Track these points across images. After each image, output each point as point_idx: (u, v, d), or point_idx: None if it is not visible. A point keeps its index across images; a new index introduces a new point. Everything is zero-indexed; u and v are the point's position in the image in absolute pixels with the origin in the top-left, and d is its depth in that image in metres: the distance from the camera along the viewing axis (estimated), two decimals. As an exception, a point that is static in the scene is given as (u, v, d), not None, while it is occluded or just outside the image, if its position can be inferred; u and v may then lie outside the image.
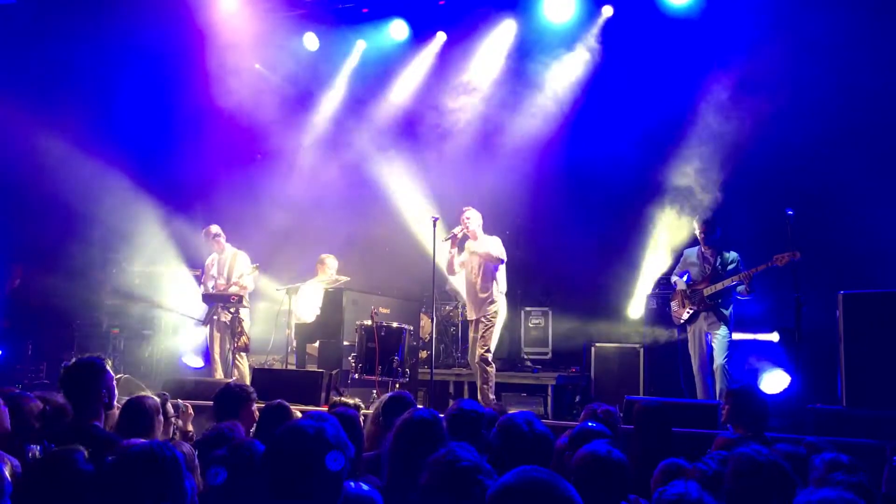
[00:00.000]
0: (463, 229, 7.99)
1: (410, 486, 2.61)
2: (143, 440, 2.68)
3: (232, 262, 9.31)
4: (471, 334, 8.18)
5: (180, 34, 10.45)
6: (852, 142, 8.57)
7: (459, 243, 8.07)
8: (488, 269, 7.98)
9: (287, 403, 4.67)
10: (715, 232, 7.61)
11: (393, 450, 3.13)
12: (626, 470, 2.82)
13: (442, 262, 8.13)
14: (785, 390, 7.77)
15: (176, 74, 10.73)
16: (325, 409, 6.19)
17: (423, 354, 9.26)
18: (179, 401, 5.75)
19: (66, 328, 10.32)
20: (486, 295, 7.95)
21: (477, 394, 7.93)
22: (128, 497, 2.41)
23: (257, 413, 4.59)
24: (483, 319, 7.92)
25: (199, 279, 9.91)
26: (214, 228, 9.39)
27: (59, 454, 2.73)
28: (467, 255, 8.12)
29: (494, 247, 7.98)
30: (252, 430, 4.55)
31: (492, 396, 7.83)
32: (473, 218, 8.06)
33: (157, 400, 4.25)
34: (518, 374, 9.54)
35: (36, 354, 10.33)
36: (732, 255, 7.54)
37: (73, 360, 4.02)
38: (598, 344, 9.23)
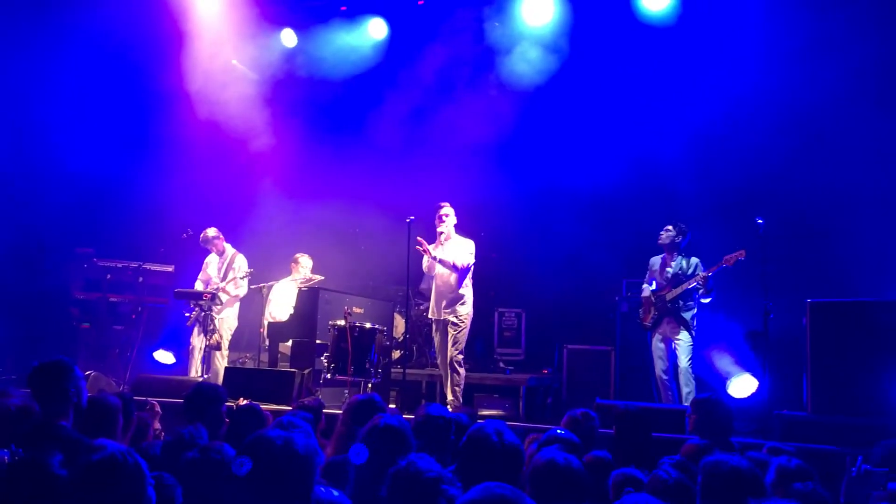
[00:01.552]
0: (438, 228, 7.90)
1: (377, 493, 2.61)
2: (108, 443, 2.64)
3: (229, 264, 9.37)
4: (436, 335, 8.04)
5: (155, 28, 10.33)
6: (823, 150, 8.71)
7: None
8: (463, 269, 7.93)
9: (259, 406, 4.67)
10: (680, 239, 7.74)
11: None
12: (583, 478, 2.84)
13: (422, 262, 7.98)
14: (752, 395, 7.87)
15: (150, 68, 10.59)
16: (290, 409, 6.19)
17: (397, 354, 9.26)
18: (149, 399, 5.75)
19: (36, 323, 10.17)
20: (458, 295, 7.87)
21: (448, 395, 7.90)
22: None
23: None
24: (455, 320, 7.83)
25: (171, 275, 9.84)
26: (212, 232, 9.43)
27: (32, 460, 2.68)
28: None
29: (460, 254, 7.84)
30: (221, 431, 4.54)
31: (461, 400, 7.81)
32: (450, 216, 7.94)
33: (120, 398, 4.22)
34: (490, 375, 9.57)
35: (1, 350, 10.18)
36: (694, 260, 7.72)
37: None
38: (570, 346, 9.29)
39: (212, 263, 9.52)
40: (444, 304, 7.90)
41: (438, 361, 8.10)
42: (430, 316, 8.12)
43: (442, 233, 7.87)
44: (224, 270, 9.37)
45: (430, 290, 8.24)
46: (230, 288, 9.19)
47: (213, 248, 9.47)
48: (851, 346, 6.42)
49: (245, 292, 9.40)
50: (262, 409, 4.56)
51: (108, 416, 3.96)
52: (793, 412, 6.61)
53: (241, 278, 9.20)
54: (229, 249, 9.51)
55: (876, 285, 7.61)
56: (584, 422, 4.69)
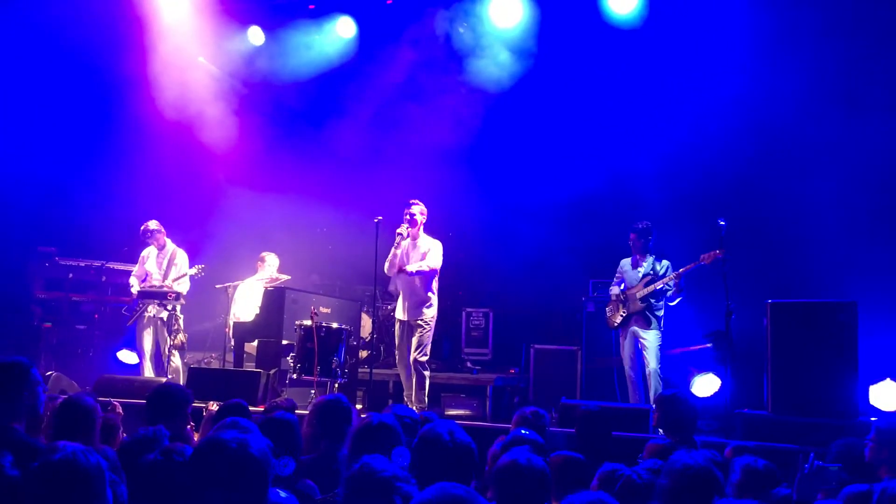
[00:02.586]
0: (408, 227, 7.84)
1: None
2: (69, 445, 2.60)
3: (171, 260, 9.12)
4: (400, 335, 7.98)
5: (118, 24, 10.18)
6: (785, 153, 8.88)
7: (397, 243, 7.88)
8: (431, 272, 7.90)
9: (246, 404, 4.64)
10: (647, 240, 7.82)
11: (353, 454, 3.12)
12: (545, 478, 2.87)
13: (385, 261, 7.97)
14: (715, 394, 7.98)
15: (114, 65, 10.45)
16: (261, 409, 6.16)
17: (364, 354, 9.25)
18: (111, 399, 5.68)
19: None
20: (424, 297, 7.87)
21: (412, 396, 7.85)
22: None
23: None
24: (421, 323, 7.81)
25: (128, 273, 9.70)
26: (153, 224, 9.13)
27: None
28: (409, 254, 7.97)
29: (431, 257, 7.84)
30: (188, 431, 4.50)
31: (426, 401, 7.81)
32: (418, 214, 7.87)
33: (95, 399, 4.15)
34: (457, 374, 9.59)
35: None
36: (664, 263, 7.79)
37: None
38: (537, 345, 9.34)
39: (150, 258, 9.16)
40: (410, 305, 7.90)
41: (397, 361, 8.07)
42: (396, 316, 8.09)
43: (400, 234, 7.80)
44: (166, 266, 9.08)
45: (397, 291, 8.23)
46: (176, 286, 8.87)
47: (154, 242, 9.11)
48: (811, 347, 6.51)
49: (187, 290, 9.04)
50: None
51: (86, 417, 3.89)
52: (754, 411, 6.71)
53: (189, 276, 8.93)
54: (170, 245, 9.20)
55: (835, 286, 7.76)
56: (534, 420, 4.70)
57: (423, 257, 7.88)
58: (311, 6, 10.73)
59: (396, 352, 8.11)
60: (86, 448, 2.50)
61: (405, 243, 7.91)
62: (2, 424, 3.66)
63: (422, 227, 7.96)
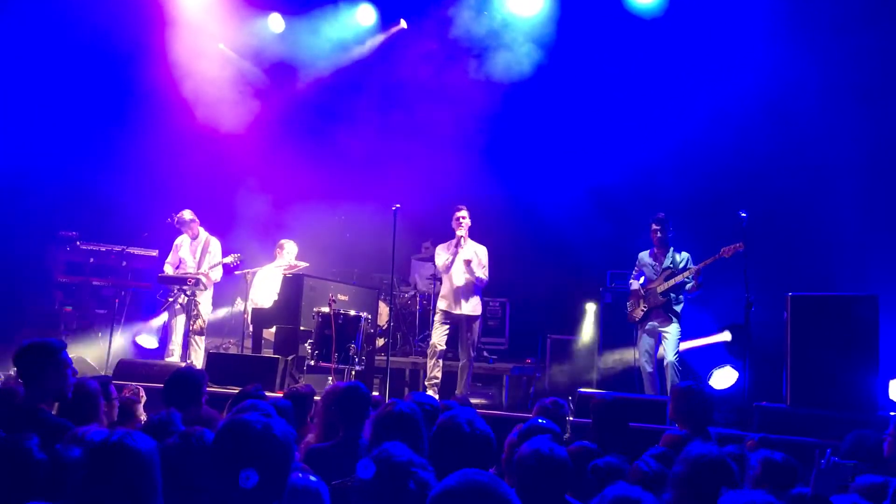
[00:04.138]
0: (465, 230, 8.06)
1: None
2: (119, 429, 2.61)
3: (205, 248, 9.23)
4: (445, 328, 8.12)
5: (139, 12, 10.24)
6: (806, 146, 8.79)
7: (458, 242, 8.11)
8: (483, 282, 8.14)
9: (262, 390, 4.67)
10: (667, 232, 7.76)
11: (373, 440, 3.14)
12: (567, 467, 2.87)
13: (441, 260, 8.15)
14: (732, 386, 7.95)
15: (134, 52, 10.51)
16: (279, 395, 6.20)
17: (381, 342, 9.28)
18: (132, 384, 5.71)
19: (18, 305, 10.12)
20: (478, 293, 8.16)
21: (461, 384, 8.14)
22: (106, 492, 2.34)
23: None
24: (475, 318, 8.14)
25: (154, 259, 9.79)
26: (188, 214, 9.27)
27: (9, 442, 2.67)
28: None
29: (481, 269, 8.09)
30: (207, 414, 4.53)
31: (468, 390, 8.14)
32: (468, 218, 8.11)
33: (98, 382, 4.19)
34: (474, 363, 9.58)
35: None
36: (684, 254, 7.72)
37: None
38: (553, 335, 9.33)
39: (183, 246, 9.31)
40: (464, 301, 8.08)
41: (434, 351, 8.12)
42: (442, 308, 8.18)
43: (462, 237, 8.06)
44: (200, 254, 9.21)
45: (415, 280, 8.29)
46: (212, 274, 9.04)
47: (189, 231, 9.28)
48: (831, 340, 6.47)
49: (219, 277, 9.24)
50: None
51: (89, 400, 3.94)
52: (772, 404, 6.68)
53: (223, 264, 9.07)
54: (203, 233, 9.34)
55: (856, 280, 7.70)
56: (553, 410, 4.76)
57: (475, 258, 8.07)
58: (332, -6, 10.73)
59: (435, 344, 8.17)
60: (137, 432, 2.51)
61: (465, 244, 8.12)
62: (30, 405, 3.72)
63: (467, 233, 8.18)
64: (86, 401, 3.97)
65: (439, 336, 8.13)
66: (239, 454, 2.31)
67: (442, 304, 8.19)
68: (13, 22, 9.87)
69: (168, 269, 9.26)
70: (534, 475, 2.76)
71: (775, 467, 3.39)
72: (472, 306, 8.10)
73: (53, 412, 3.89)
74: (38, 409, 3.71)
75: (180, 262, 9.29)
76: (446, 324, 8.13)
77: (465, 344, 8.15)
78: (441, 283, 8.44)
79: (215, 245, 9.30)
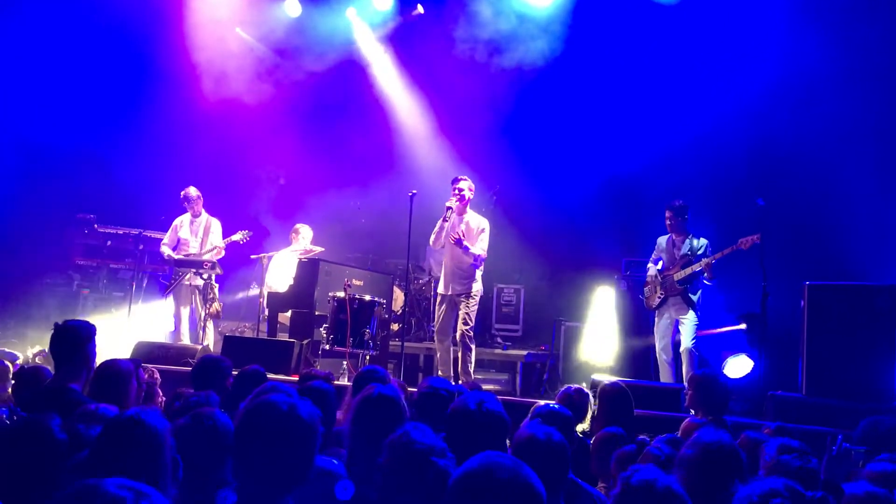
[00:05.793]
0: (457, 201, 7.73)
1: (371, 461, 2.66)
2: (136, 407, 2.63)
3: (206, 229, 9.20)
4: (443, 309, 7.82)
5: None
6: (825, 133, 8.71)
7: (444, 216, 7.73)
8: (480, 258, 7.76)
9: (262, 370, 4.71)
10: (684, 218, 7.69)
11: (353, 426, 3.14)
12: (564, 454, 2.88)
13: (431, 234, 7.83)
14: (748, 375, 7.92)
15: (151, 35, 10.53)
16: (295, 378, 6.25)
17: (395, 327, 9.31)
18: (147, 365, 5.77)
19: (35, 288, 10.21)
20: (471, 272, 7.76)
21: (454, 369, 7.76)
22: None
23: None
24: (466, 297, 7.70)
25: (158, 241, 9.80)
26: (193, 191, 9.21)
27: (33, 422, 2.68)
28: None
29: (483, 241, 7.73)
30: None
31: (472, 376, 7.71)
32: (467, 190, 7.75)
33: (132, 363, 4.23)
34: (488, 350, 9.63)
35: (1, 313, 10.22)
36: (702, 241, 7.62)
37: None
38: (567, 322, 9.33)
39: (183, 226, 9.22)
40: (456, 280, 7.79)
41: (437, 335, 7.96)
42: (439, 291, 7.99)
43: (450, 208, 7.69)
44: (202, 235, 9.13)
45: (430, 266, 8.22)
46: (215, 254, 8.99)
47: (192, 209, 9.20)
48: (848, 330, 6.43)
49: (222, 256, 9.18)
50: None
51: (121, 380, 3.96)
52: (787, 393, 6.66)
53: (230, 241, 9.01)
54: (204, 213, 9.28)
55: (874, 269, 7.65)
56: (577, 398, 4.81)
57: (469, 231, 7.74)
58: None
59: (436, 328, 7.99)
60: (151, 410, 2.52)
61: (452, 217, 7.79)
62: (61, 385, 3.77)
63: (469, 205, 7.88)
64: (118, 381, 4.00)
65: (437, 320, 7.93)
66: (265, 434, 2.34)
67: (440, 287, 7.99)
68: (34, 7, 9.92)
69: (165, 250, 9.17)
70: (528, 461, 2.78)
71: (792, 452, 3.39)
72: (463, 285, 7.70)
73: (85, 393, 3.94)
74: (68, 388, 3.76)
75: (179, 242, 9.20)
76: (442, 306, 7.85)
77: (457, 325, 7.67)
78: None
79: (216, 226, 9.24)
